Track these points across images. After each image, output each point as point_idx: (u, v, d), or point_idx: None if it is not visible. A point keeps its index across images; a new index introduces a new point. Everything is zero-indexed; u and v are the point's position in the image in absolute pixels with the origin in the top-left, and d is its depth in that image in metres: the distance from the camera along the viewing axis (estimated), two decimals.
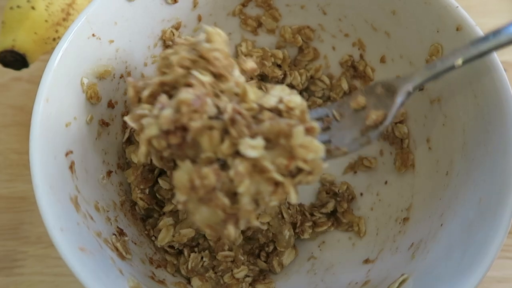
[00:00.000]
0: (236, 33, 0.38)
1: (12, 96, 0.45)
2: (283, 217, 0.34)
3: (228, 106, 0.21)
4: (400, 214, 0.33)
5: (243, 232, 0.32)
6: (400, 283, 0.26)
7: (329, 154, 0.27)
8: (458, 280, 0.22)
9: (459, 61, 0.25)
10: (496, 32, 0.25)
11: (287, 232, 0.34)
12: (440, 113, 0.31)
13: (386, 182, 0.36)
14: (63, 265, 0.37)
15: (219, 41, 0.24)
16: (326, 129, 0.30)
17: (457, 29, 0.28)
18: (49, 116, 0.25)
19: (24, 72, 0.44)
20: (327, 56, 0.39)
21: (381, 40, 0.34)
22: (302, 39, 0.38)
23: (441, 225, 0.28)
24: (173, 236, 0.31)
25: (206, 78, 0.22)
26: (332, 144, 0.28)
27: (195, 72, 0.22)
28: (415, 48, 0.32)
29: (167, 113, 0.20)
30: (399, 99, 0.27)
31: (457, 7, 0.28)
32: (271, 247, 0.34)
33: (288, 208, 0.35)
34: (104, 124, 0.31)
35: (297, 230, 0.35)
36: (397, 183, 0.35)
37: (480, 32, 0.27)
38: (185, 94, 0.20)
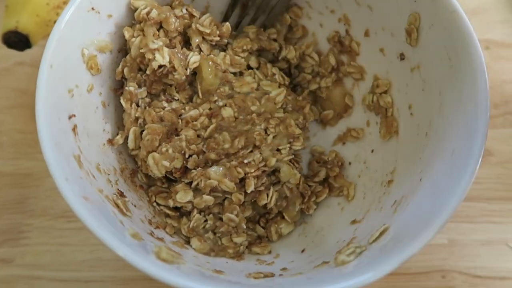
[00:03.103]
0: (228, 12, 0.40)
1: (16, 79, 0.47)
2: (298, 188, 0.36)
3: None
4: (385, 178, 0.35)
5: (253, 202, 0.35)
6: (381, 232, 0.28)
7: None
8: (430, 222, 0.24)
9: None
10: None
11: (298, 206, 0.36)
12: (420, 80, 0.33)
13: (372, 151, 0.38)
14: (67, 236, 0.40)
15: None
16: None
17: None
18: (53, 80, 0.27)
19: (27, 56, 0.46)
20: (315, 33, 0.41)
21: (364, 15, 0.36)
22: (291, 17, 0.40)
23: (420, 180, 0.29)
24: (194, 197, 0.33)
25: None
26: None
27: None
28: (395, 19, 0.34)
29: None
30: None
31: None
32: (272, 215, 0.36)
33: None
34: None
35: (303, 206, 0.36)
36: (382, 150, 0.37)
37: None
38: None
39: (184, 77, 0.33)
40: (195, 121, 0.34)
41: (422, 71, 0.33)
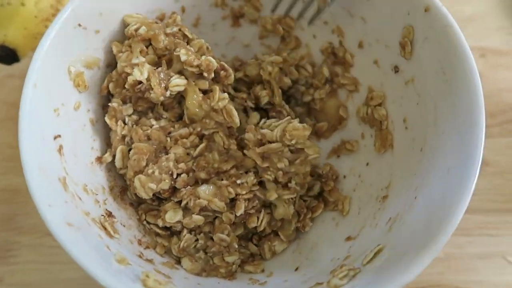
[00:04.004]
0: (220, 24, 0.40)
1: (5, 92, 0.46)
2: (294, 206, 0.35)
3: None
4: (380, 193, 0.34)
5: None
6: (376, 253, 0.27)
7: None
8: (427, 243, 0.24)
9: None
10: None
11: (294, 225, 0.35)
12: (414, 93, 0.33)
13: (367, 164, 0.37)
14: (57, 254, 0.39)
15: None
16: None
17: (426, 10, 0.29)
18: (37, 100, 0.27)
19: (16, 69, 0.45)
20: (308, 44, 0.40)
21: (358, 26, 0.36)
22: (283, 28, 0.40)
23: (415, 197, 0.29)
24: (183, 217, 0.32)
25: None
26: None
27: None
28: (389, 31, 0.33)
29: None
30: None
31: None
32: (265, 233, 0.35)
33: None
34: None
35: (299, 225, 0.35)
36: (377, 164, 0.36)
37: (446, 11, 0.29)
38: None
39: (162, 98, 0.32)
40: (185, 139, 0.33)
41: (416, 85, 0.32)
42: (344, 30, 0.37)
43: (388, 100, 0.36)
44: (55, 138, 0.28)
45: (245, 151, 0.33)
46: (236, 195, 0.32)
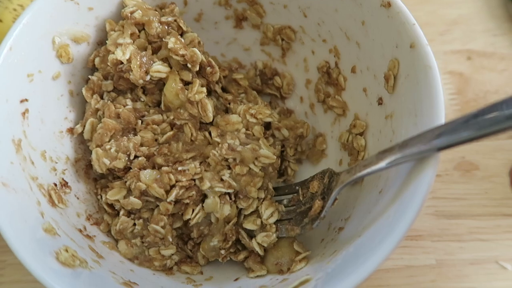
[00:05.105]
0: (222, 23, 0.40)
1: None
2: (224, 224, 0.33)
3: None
4: (338, 223, 0.33)
5: (185, 221, 0.33)
6: (301, 283, 0.26)
7: (286, 231, 0.33)
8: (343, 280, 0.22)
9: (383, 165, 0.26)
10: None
11: (216, 243, 0.33)
12: (390, 129, 0.31)
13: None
14: None
15: None
16: (292, 208, 0.34)
17: (411, 46, 0.28)
18: (10, 63, 0.28)
19: None
20: (307, 59, 0.39)
21: (353, 50, 0.34)
22: (284, 39, 0.39)
23: (359, 236, 0.27)
24: (124, 197, 0.32)
25: None
26: (291, 222, 0.33)
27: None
28: (378, 61, 0.32)
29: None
30: (332, 196, 0.31)
31: (414, 24, 0.28)
32: (199, 240, 0.34)
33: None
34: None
35: (221, 246, 0.33)
36: (346, 193, 0.35)
37: (430, 51, 0.27)
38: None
39: (141, 81, 0.32)
40: (157, 125, 0.34)
41: (393, 121, 0.31)
42: (341, 52, 0.36)
43: (369, 131, 0.35)
44: (21, 101, 0.29)
45: (210, 128, 0.34)
46: (176, 182, 0.31)
